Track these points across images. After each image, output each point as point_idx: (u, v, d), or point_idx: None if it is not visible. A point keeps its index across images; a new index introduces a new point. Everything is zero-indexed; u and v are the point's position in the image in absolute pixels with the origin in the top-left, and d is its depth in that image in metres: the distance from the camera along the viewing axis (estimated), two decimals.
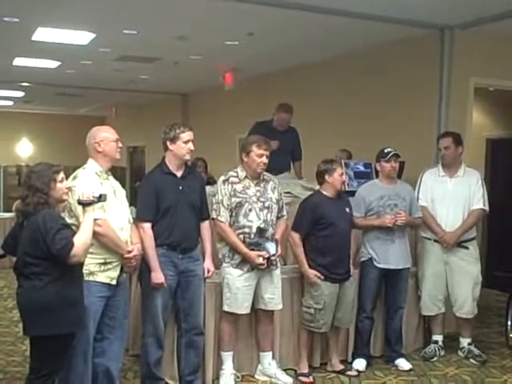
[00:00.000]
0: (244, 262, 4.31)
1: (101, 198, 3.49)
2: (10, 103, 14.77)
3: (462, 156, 5.14)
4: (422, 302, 5.14)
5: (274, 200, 4.42)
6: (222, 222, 4.30)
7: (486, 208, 5.00)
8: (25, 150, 17.37)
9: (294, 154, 6.29)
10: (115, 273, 3.75)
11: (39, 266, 3.24)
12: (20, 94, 12.85)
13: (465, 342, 5.15)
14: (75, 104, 14.56)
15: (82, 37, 7.08)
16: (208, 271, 4.25)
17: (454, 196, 4.99)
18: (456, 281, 5.01)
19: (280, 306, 4.51)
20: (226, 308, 4.36)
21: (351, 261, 4.70)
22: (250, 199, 4.32)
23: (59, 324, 3.26)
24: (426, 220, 5.03)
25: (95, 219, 3.48)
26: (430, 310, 5.11)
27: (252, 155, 4.32)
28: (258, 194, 4.36)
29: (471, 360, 5.06)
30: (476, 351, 5.11)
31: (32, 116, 16.42)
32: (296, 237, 4.57)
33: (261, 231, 4.28)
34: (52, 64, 9.02)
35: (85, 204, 3.42)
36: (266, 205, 4.35)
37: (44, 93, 12.45)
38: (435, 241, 5.02)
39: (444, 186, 5.05)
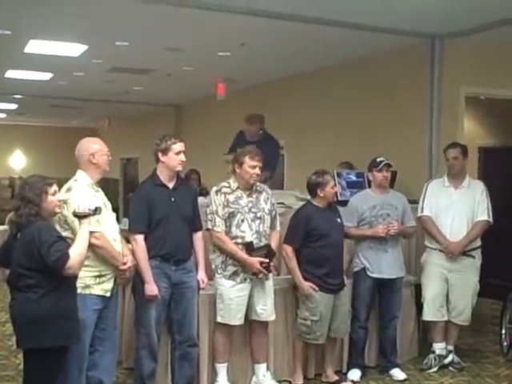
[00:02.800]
0: (236, 273, 4.30)
1: (96, 211, 3.49)
2: (3, 115, 14.77)
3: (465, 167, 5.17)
4: (425, 308, 5.09)
5: (267, 211, 4.42)
6: (218, 231, 4.29)
7: (491, 220, 5.01)
8: (18, 162, 17.34)
9: (269, 163, 6.09)
10: (109, 285, 3.75)
11: (33, 279, 3.22)
12: (13, 106, 12.87)
13: (447, 348, 5.14)
14: (68, 116, 14.57)
15: (74, 48, 7.10)
16: (202, 282, 4.24)
17: (458, 207, 4.99)
18: (458, 289, 5.00)
19: (273, 317, 4.49)
20: (219, 319, 4.35)
21: (344, 270, 4.69)
22: (242, 210, 4.31)
23: (53, 337, 3.24)
24: (431, 230, 5.04)
25: (92, 232, 3.48)
26: (433, 315, 5.05)
27: (245, 167, 4.32)
28: (250, 204, 4.36)
29: (450, 367, 5.07)
30: (456, 359, 5.13)
31: (25, 128, 16.42)
32: (289, 250, 4.56)
33: (248, 246, 4.27)
34: (45, 76, 9.04)
35: (80, 216, 3.42)
36: (258, 215, 4.35)
37: (37, 105, 12.46)
38: (440, 251, 5.00)
39: (448, 196, 5.05)
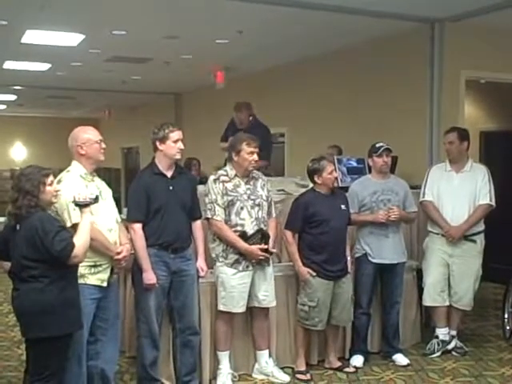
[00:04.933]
0: (238, 261, 4.30)
1: (96, 200, 3.49)
2: (3, 107, 14.76)
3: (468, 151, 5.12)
4: (425, 293, 5.09)
5: (264, 197, 4.42)
6: (218, 220, 4.28)
7: (493, 203, 4.98)
8: (19, 153, 17.36)
9: (262, 149, 6.06)
10: (105, 275, 3.74)
11: (38, 269, 3.23)
12: (12, 97, 12.85)
13: (450, 333, 5.14)
14: (68, 106, 14.56)
15: (71, 38, 7.07)
16: (201, 270, 4.23)
17: (459, 191, 4.97)
18: (459, 274, 4.99)
19: (274, 303, 4.50)
20: (221, 307, 4.34)
21: (349, 258, 4.67)
22: (241, 197, 4.30)
23: (59, 325, 3.26)
24: (432, 215, 5.02)
25: None
26: (434, 300, 5.05)
27: (243, 154, 4.31)
28: (249, 191, 4.35)
29: (452, 352, 5.07)
30: (458, 343, 5.13)
31: (25, 119, 16.42)
32: (289, 235, 4.55)
33: (242, 236, 4.26)
34: (43, 66, 9.02)
35: (82, 205, 3.41)
36: (257, 202, 4.35)
37: (36, 96, 12.45)
38: (442, 235, 4.99)
39: (450, 180, 5.03)
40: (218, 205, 4.28)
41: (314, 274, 4.49)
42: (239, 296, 4.31)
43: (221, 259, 4.33)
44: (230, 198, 4.29)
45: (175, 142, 4.07)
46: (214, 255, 4.37)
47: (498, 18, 5.78)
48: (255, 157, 4.33)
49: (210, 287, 4.42)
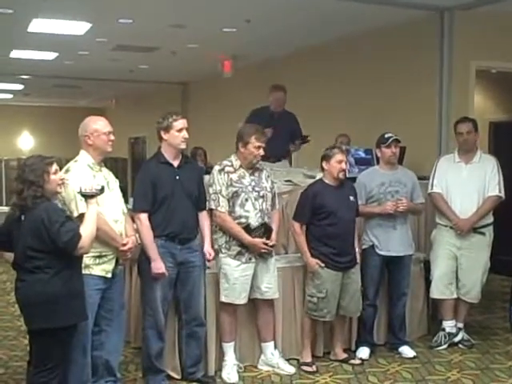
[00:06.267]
0: (241, 253, 4.27)
1: (102, 190, 3.47)
2: (10, 96, 14.75)
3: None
4: (432, 286, 5.05)
5: (268, 189, 4.40)
6: (222, 212, 4.25)
7: (502, 195, 4.93)
8: (26, 143, 17.36)
9: (295, 136, 6.13)
10: (110, 266, 3.73)
11: (43, 260, 3.22)
12: (19, 86, 12.84)
13: (457, 325, 5.11)
14: (75, 96, 14.54)
15: (77, 27, 7.05)
16: (209, 255, 4.20)
17: (468, 182, 4.92)
18: (467, 267, 4.95)
19: (277, 295, 4.47)
20: (223, 299, 4.32)
21: (357, 249, 4.64)
22: (246, 189, 4.28)
23: (65, 316, 3.26)
24: (441, 207, 4.98)
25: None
26: (441, 293, 5.02)
27: (250, 147, 4.28)
28: (253, 183, 4.32)
29: (459, 345, 5.04)
30: (465, 336, 5.10)
31: (32, 109, 16.41)
32: (297, 226, 4.53)
33: (246, 228, 4.24)
34: (50, 56, 9.00)
35: (88, 196, 3.40)
36: (261, 194, 4.32)
37: (43, 85, 12.43)
38: (451, 228, 4.94)
39: (459, 172, 4.98)
40: (222, 196, 4.25)
41: (323, 265, 4.47)
42: (241, 288, 4.28)
43: (224, 250, 4.30)
44: (234, 190, 4.25)
45: (179, 131, 4.03)
46: (216, 246, 4.33)
47: (509, 6, 5.70)
48: (261, 151, 4.29)
49: (215, 278, 4.40)
